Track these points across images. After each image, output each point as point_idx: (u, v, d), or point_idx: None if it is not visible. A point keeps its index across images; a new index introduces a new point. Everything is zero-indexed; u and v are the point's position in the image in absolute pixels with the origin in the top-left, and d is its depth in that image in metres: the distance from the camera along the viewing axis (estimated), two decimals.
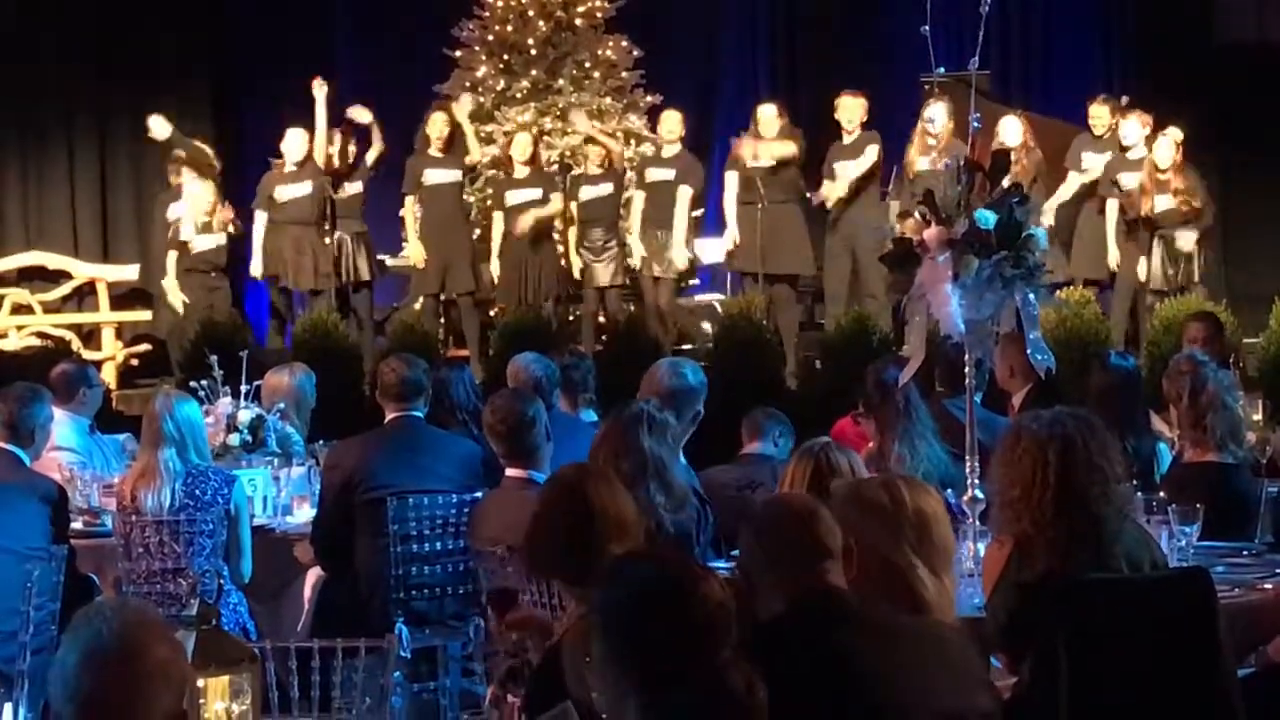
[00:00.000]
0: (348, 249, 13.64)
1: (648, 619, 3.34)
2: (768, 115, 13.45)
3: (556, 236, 14.05)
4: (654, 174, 13.72)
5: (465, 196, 14.26)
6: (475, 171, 14.61)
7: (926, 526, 4.31)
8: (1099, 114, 13.32)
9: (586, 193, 13.82)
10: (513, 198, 13.75)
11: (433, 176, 13.75)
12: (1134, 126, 13.03)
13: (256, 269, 13.68)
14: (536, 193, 13.76)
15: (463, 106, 14.29)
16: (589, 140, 14.40)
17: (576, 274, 13.89)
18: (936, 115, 12.92)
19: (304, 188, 13.50)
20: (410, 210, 13.97)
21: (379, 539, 7.58)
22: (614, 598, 3.43)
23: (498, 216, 13.80)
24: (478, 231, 14.33)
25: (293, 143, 13.58)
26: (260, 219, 13.58)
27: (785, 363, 12.70)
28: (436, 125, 13.89)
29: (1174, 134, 12.97)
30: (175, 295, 13.31)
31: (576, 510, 4.70)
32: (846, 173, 13.22)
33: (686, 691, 3.19)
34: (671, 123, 13.82)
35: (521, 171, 13.87)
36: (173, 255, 13.35)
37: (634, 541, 4.73)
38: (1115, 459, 5.10)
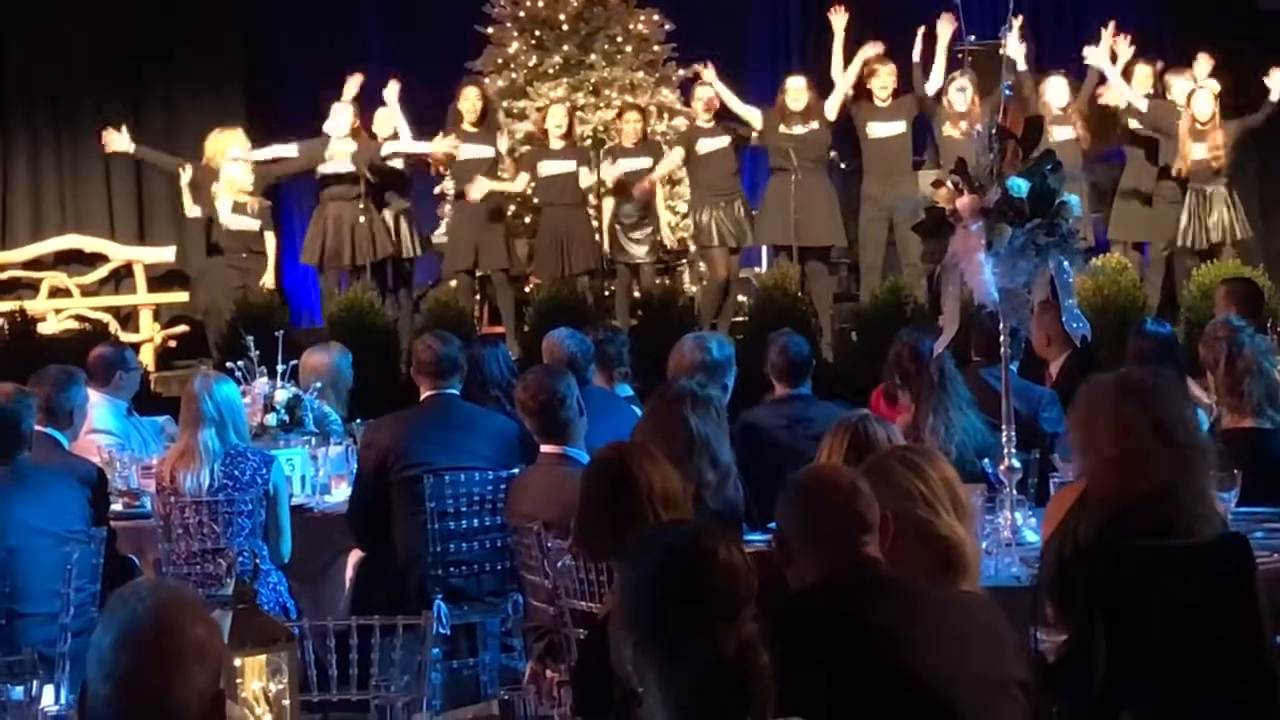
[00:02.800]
0: (401, 226, 13.67)
1: (662, 585, 3.38)
2: (796, 87, 13.46)
3: (591, 211, 14.04)
4: (706, 145, 13.68)
5: (500, 173, 14.23)
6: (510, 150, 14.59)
7: (954, 490, 4.36)
8: (1141, 73, 13.31)
9: (621, 166, 13.82)
10: (546, 169, 13.76)
11: (466, 152, 13.74)
12: (1183, 82, 13.07)
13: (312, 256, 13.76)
14: (570, 165, 13.78)
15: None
16: (622, 113, 14.38)
17: (608, 248, 13.90)
18: (967, 85, 12.91)
19: (342, 165, 13.49)
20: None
21: (416, 517, 7.59)
22: (633, 565, 3.47)
23: (523, 179, 13.81)
24: (512, 208, 14.32)
25: (339, 119, 13.57)
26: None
27: (821, 335, 12.68)
28: (469, 101, 13.90)
29: (1212, 85, 12.97)
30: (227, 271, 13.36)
31: (623, 491, 4.70)
32: (882, 134, 13.32)
33: (700, 658, 3.20)
34: (706, 96, 13.80)
35: (556, 144, 13.87)
36: (212, 235, 13.35)
37: (684, 512, 4.75)
38: (1190, 418, 5.12)
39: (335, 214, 13.55)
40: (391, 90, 13.70)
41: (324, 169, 13.58)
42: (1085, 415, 5.08)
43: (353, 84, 13.73)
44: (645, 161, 13.81)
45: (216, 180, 13.54)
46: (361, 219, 13.49)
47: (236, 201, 13.33)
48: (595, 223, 14.03)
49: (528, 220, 14.33)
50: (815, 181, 13.31)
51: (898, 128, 13.33)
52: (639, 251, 13.79)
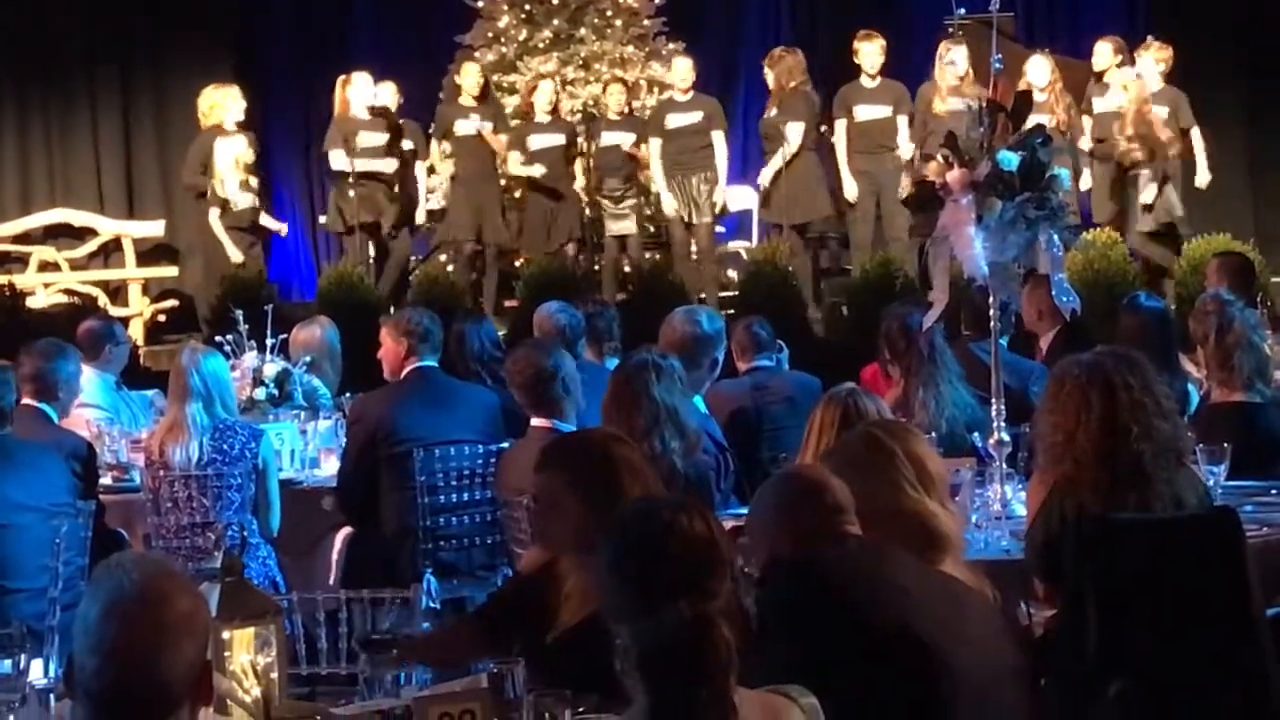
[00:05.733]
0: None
1: (622, 560, 3.43)
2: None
3: (579, 186, 14.03)
4: (675, 120, 13.65)
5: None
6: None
7: (920, 462, 4.36)
8: (1100, 51, 13.26)
9: (605, 139, 13.80)
10: (535, 142, 13.73)
11: (465, 127, 13.71)
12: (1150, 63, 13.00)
13: (336, 223, 13.67)
14: (560, 139, 13.77)
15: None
16: (606, 86, 14.35)
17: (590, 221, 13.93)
18: (958, 58, 12.89)
19: (379, 137, 13.44)
20: (437, 157, 13.98)
21: (406, 491, 7.59)
22: (603, 545, 3.50)
23: (514, 157, 13.77)
24: (503, 181, 14.29)
25: (363, 89, 13.55)
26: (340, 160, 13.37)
27: (806, 308, 12.70)
28: (471, 75, 13.89)
29: (1145, 62, 12.96)
30: (232, 249, 13.21)
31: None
32: (868, 116, 13.27)
33: (657, 630, 3.20)
34: (684, 69, 13.78)
35: (544, 119, 13.85)
36: (215, 212, 13.24)
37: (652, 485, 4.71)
38: (1161, 394, 5.15)
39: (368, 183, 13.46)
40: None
41: (362, 140, 13.43)
42: (1048, 397, 5.14)
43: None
44: (629, 136, 13.77)
45: (216, 144, 13.38)
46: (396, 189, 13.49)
47: (241, 179, 13.24)
48: (584, 196, 14.03)
49: (517, 195, 14.28)
50: (805, 156, 13.29)
51: (884, 110, 13.31)
52: (625, 225, 13.77)
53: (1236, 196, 14.91)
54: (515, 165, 13.70)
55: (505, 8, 15.53)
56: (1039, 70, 12.90)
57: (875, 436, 4.45)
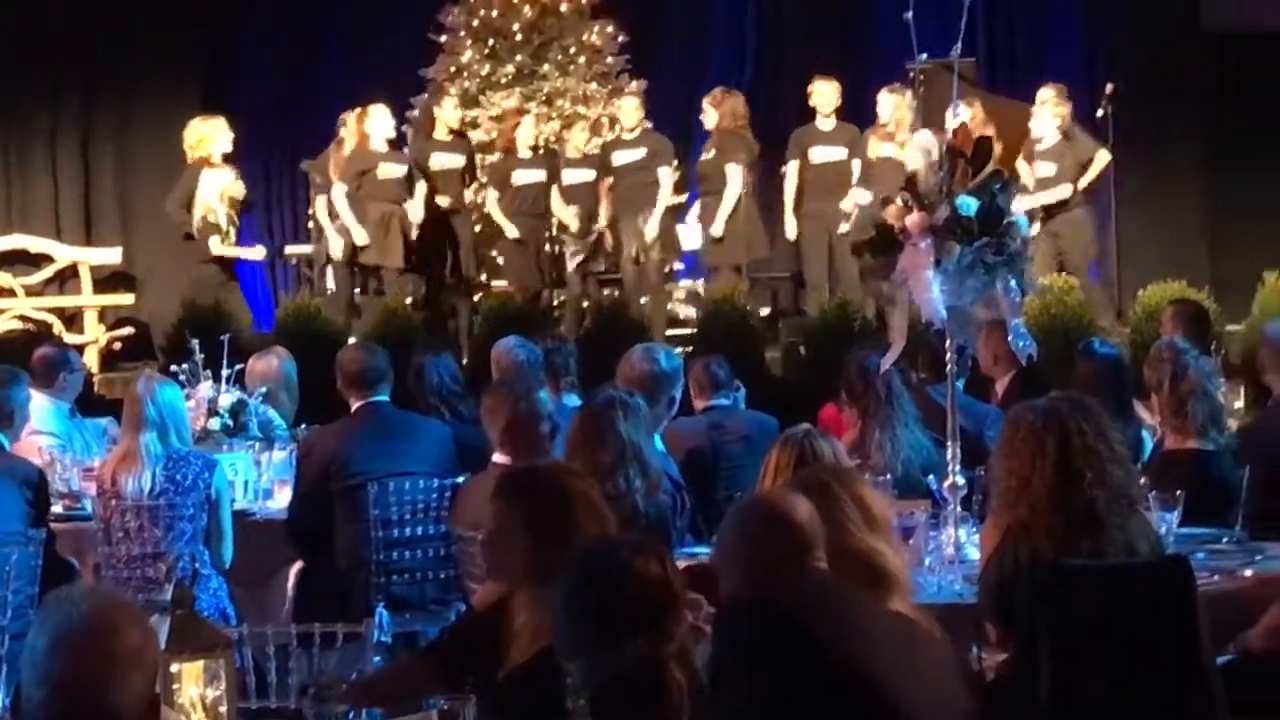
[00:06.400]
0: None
1: (577, 600, 3.45)
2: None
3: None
4: (621, 157, 13.68)
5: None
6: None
7: (865, 504, 4.37)
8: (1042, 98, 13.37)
9: (568, 177, 13.81)
10: (519, 177, 13.72)
11: (441, 161, 13.68)
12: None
13: (337, 251, 13.54)
14: (542, 174, 13.79)
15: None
16: (569, 124, 14.38)
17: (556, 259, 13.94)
18: (884, 108, 13.18)
19: (399, 168, 13.43)
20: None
21: (359, 524, 7.57)
22: (559, 584, 3.50)
23: (492, 196, 13.75)
24: (474, 214, 14.27)
25: (383, 122, 13.53)
26: (340, 196, 13.35)
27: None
28: (450, 110, 13.91)
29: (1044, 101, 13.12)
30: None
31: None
32: (823, 158, 13.40)
33: (610, 670, 3.20)
34: (630, 107, 13.84)
35: (526, 154, 13.86)
36: (214, 240, 13.11)
37: (608, 526, 4.69)
38: (1114, 440, 5.16)
39: (384, 213, 13.36)
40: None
41: (382, 170, 13.41)
42: (1011, 441, 5.14)
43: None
44: (590, 174, 13.79)
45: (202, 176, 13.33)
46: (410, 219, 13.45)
47: (227, 213, 13.22)
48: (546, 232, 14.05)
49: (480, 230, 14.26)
50: (742, 201, 13.39)
51: (839, 153, 13.41)
52: (586, 260, 13.81)
53: (1192, 244, 14.99)
54: (493, 207, 13.69)
55: (469, 43, 15.56)
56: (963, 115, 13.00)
57: (821, 480, 4.46)
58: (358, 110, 13.54)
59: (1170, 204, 15.15)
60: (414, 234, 13.41)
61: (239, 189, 13.26)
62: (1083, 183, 13.00)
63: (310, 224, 14.43)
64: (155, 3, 16.13)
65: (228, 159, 13.29)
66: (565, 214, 13.70)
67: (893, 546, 4.43)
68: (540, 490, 4.48)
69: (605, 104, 15.38)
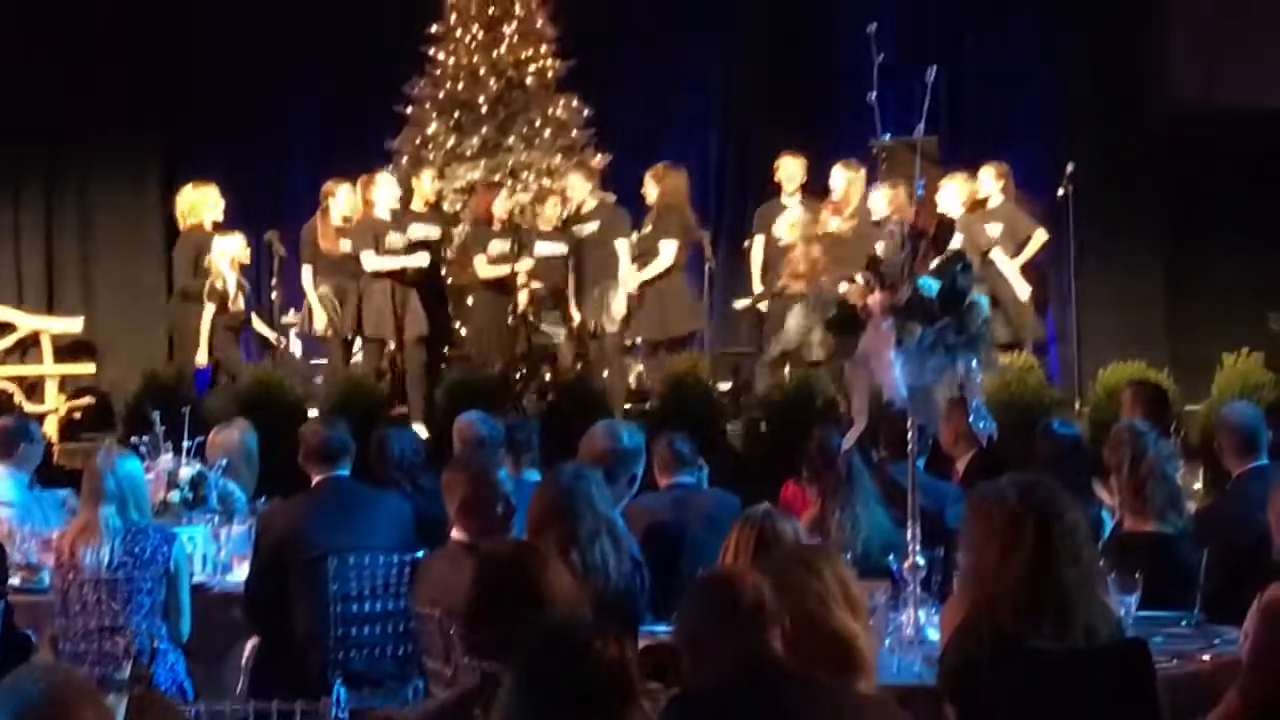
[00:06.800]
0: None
1: (537, 682, 3.44)
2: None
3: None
4: (577, 231, 13.80)
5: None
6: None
7: (846, 585, 4.38)
8: (984, 177, 13.51)
9: (539, 250, 13.84)
10: (495, 248, 13.74)
11: (419, 232, 13.65)
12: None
13: (344, 327, 13.53)
14: (507, 244, 13.83)
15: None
16: (540, 198, 14.41)
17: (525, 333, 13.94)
18: (837, 183, 13.33)
19: (403, 238, 13.45)
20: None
21: (317, 599, 7.53)
22: (514, 663, 3.51)
23: (480, 260, 13.77)
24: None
25: (389, 190, 13.56)
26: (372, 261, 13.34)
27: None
28: (428, 182, 13.92)
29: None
30: (202, 352, 13.21)
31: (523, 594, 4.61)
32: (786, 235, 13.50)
33: None
34: (578, 182, 13.90)
35: (498, 226, 13.90)
36: (209, 309, 13.16)
37: (575, 606, 4.70)
38: (1083, 522, 5.16)
39: (392, 288, 13.43)
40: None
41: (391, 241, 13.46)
42: (975, 522, 5.14)
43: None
44: (562, 247, 13.83)
45: (201, 244, 13.33)
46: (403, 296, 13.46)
47: (237, 279, 13.27)
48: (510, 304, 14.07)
49: (469, 301, 14.21)
50: (674, 276, 13.57)
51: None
52: (558, 334, 13.84)
53: (1153, 324, 15.06)
54: (483, 268, 13.70)
55: (434, 115, 15.60)
56: (951, 196, 13.18)
57: (806, 557, 4.48)
58: (363, 178, 13.61)
59: (1130, 283, 15.24)
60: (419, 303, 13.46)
61: (247, 255, 13.34)
62: (1020, 260, 13.10)
63: (274, 294, 14.37)
64: (118, 75, 16.13)
65: (218, 227, 13.31)
66: (537, 286, 13.74)
67: (867, 630, 4.46)
68: (519, 571, 4.51)
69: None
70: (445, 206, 14.83)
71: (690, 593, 4.20)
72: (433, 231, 13.77)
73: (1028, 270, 13.29)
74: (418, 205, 13.90)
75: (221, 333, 13.24)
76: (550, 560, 4.65)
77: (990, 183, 13.35)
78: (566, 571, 4.74)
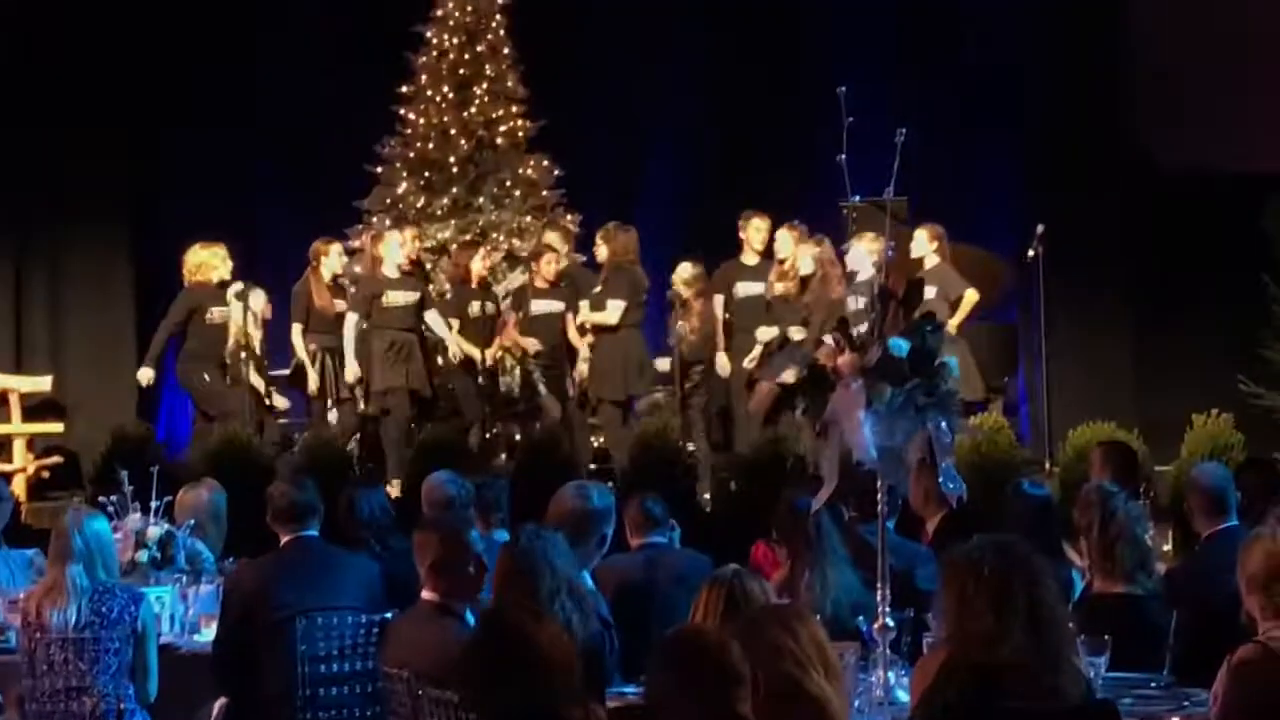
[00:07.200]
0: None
1: None
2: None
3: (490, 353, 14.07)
4: (539, 306, 13.83)
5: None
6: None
7: (824, 651, 4.38)
8: (918, 239, 13.55)
9: (535, 308, 13.84)
10: (475, 309, 13.80)
11: (396, 298, 13.58)
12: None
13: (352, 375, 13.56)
14: (491, 306, 13.92)
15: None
16: (541, 255, 14.33)
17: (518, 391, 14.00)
18: (781, 242, 13.48)
19: (411, 295, 13.50)
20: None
21: (285, 660, 7.50)
22: None
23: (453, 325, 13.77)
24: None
25: (397, 248, 13.57)
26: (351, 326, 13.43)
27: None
28: (406, 245, 13.86)
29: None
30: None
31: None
32: (749, 293, 13.64)
33: None
34: (557, 243, 13.90)
35: (476, 284, 13.97)
36: (250, 365, 13.27)
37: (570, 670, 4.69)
38: (1052, 587, 5.15)
39: (398, 342, 13.44)
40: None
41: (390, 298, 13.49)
42: (949, 582, 5.13)
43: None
44: (558, 304, 13.80)
45: (201, 300, 13.35)
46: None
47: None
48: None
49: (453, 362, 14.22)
50: (623, 335, 13.62)
51: (760, 288, 13.56)
52: (549, 396, 13.89)
53: (1122, 385, 15.10)
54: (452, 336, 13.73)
55: (405, 175, 15.63)
56: (919, 243, 13.28)
57: (784, 617, 4.47)
58: (370, 234, 13.63)
59: (1100, 344, 15.29)
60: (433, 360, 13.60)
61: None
62: (954, 321, 13.14)
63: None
64: (86, 134, 16.11)
65: (223, 285, 13.34)
66: (530, 343, 13.76)
67: (840, 693, 4.45)
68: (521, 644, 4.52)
69: (540, 237, 15.44)
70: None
71: (656, 652, 4.20)
72: (408, 296, 13.66)
73: (962, 330, 13.31)
74: (391, 270, 13.82)
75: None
76: (546, 622, 4.65)
77: (924, 244, 13.37)
78: (563, 633, 4.73)
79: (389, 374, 13.33)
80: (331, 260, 13.68)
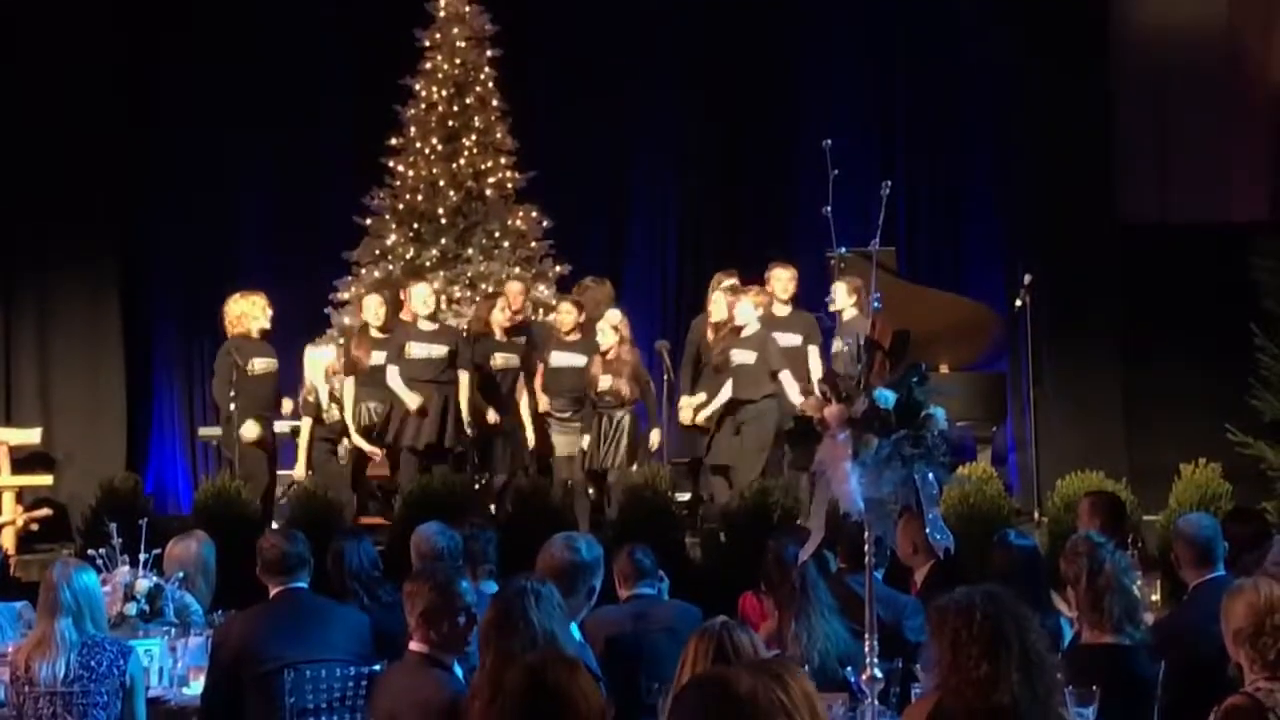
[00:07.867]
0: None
1: None
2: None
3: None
4: (559, 359, 13.80)
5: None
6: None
7: (813, 704, 4.37)
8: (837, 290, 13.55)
9: (555, 360, 13.85)
10: (499, 360, 13.84)
11: (417, 350, 13.60)
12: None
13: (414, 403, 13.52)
14: (515, 356, 13.91)
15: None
16: (559, 305, 14.30)
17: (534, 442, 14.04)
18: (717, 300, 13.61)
19: (436, 349, 13.50)
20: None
21: (273, 712, 7.49)
22: None
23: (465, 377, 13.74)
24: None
25: (429, 300, 13.62)
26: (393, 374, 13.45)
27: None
28: (430, 297, 13.82)
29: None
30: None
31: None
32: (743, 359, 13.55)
33: None
34: (566, 312, 13.89)
35: (501, 338, 13.95)
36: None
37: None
38: (1041, 637, 5.17)
39: (425, 394, 13.47)
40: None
41: (414, 350, 13.52)
42: (940, 630, 5.14)
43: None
44: (581, 357, 13.76)
45: (238, 354, 13.28)
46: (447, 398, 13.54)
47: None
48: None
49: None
50: None
51: (794, 339, 13.55)
52: (574, 445, 13.87)
53: (1110, 434, 15.11)
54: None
55: (394, 225, 15.66)
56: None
57: (777, 671, 4.46)
58: (404, 286, 13.66)
59: (1088, 394, 15.30)
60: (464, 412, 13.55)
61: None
62: None
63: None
64: (72, 186, 16.13)
65: (264, 335, 13.35)
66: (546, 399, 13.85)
67: None
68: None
69: (529, 289, 15.47)
70: (407, 316, 14.82)
71: (674, 706, 4.20)
72: (437, 350, 13.63)
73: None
74: (423, 324, 13.77)
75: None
76: (581, 673, 4.68)
77: (844, 297, 13.29)
78: (597, 688, 4.76)
79: (403, 428, 13.35)
80: (370, 312, 13.75)
